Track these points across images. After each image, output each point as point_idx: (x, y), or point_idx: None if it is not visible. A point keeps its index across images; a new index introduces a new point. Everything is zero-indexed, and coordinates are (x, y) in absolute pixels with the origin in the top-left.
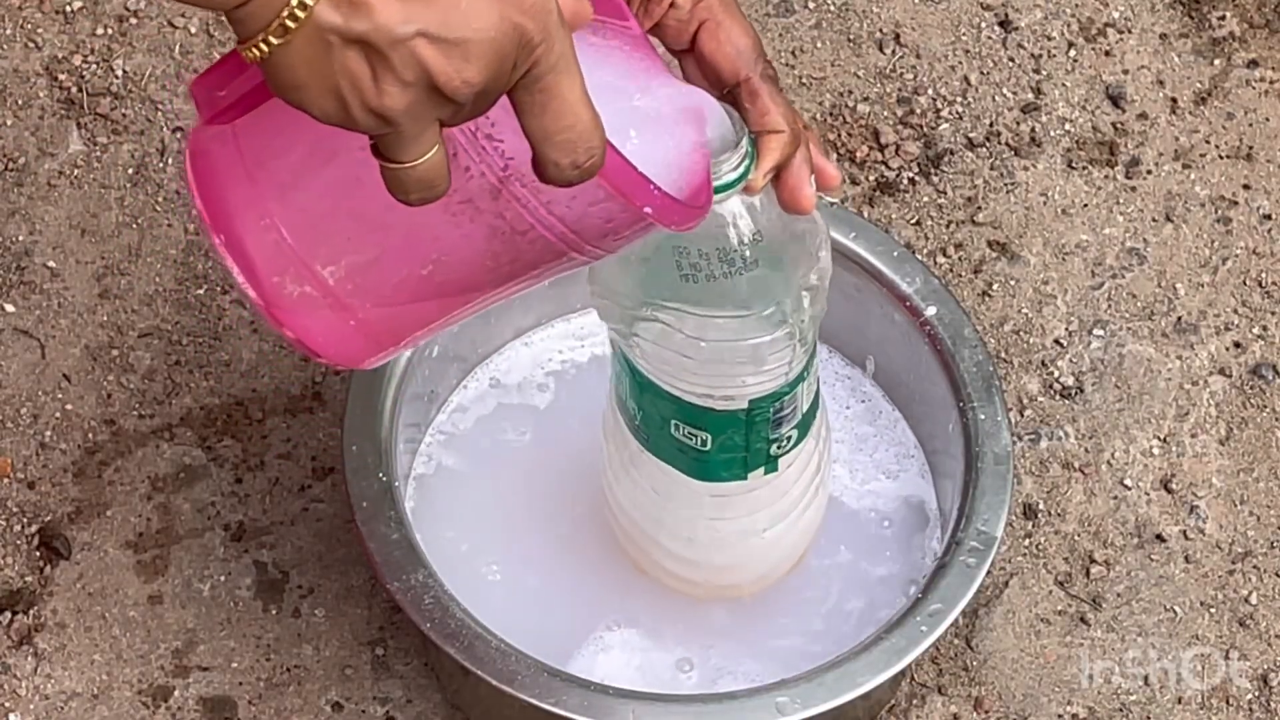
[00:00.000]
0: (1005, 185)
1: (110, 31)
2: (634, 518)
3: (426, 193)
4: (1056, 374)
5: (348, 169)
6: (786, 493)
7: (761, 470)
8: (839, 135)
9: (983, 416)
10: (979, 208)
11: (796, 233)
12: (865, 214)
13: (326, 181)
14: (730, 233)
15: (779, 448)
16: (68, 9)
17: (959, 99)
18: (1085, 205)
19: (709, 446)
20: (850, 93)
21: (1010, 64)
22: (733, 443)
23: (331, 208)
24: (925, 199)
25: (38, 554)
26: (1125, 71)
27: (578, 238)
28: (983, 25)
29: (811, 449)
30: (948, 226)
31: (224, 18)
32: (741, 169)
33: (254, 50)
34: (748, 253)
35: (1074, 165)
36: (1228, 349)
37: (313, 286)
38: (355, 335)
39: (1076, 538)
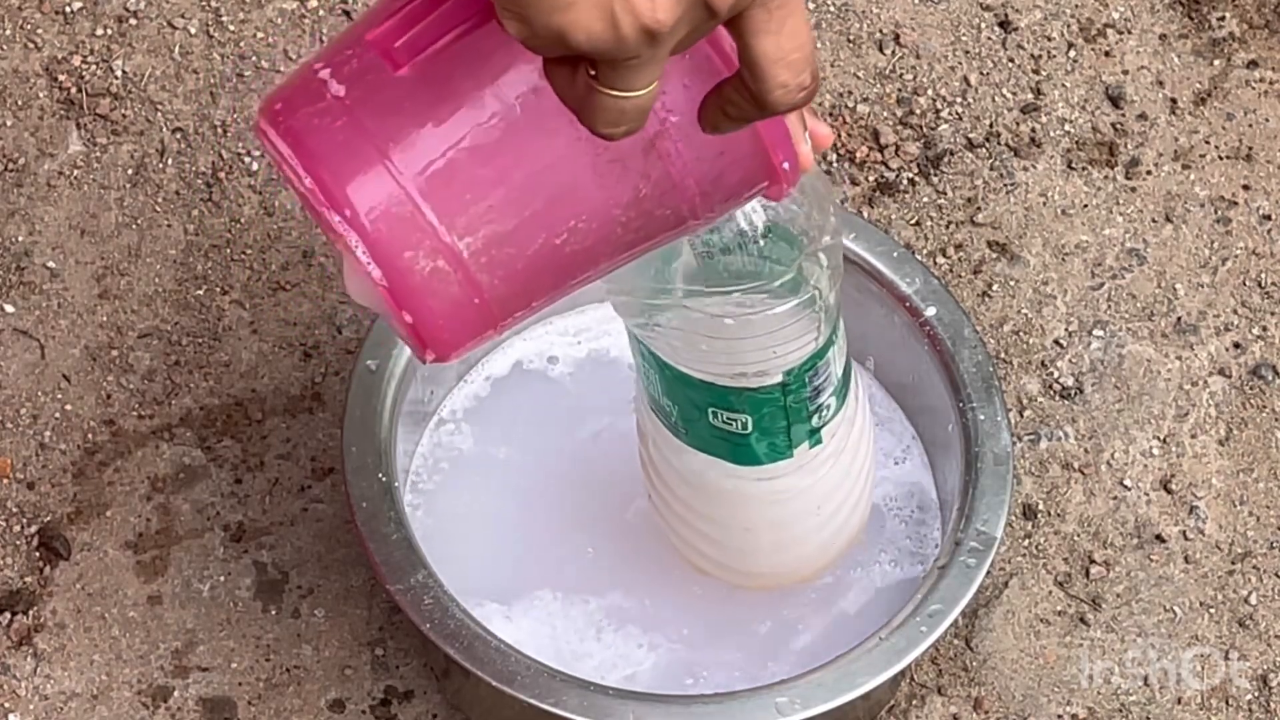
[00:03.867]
0: (1005, 186)
1: (110, 32)
2: (688, 520)
3: (636, 124)
4: (1056, 374)
5: (491, 132)
6: (835, 464)
7: (806, 445)
8: (839, 135)
9: (982, 417)
10: (979, 208)
11: (803, 194)
12: (865, 214)
13: (469, 148)
14: None
15: (820, 418)
16: (68, 9)
17: (959, 99)
18: (1085, 206)
19: (750, 429)
20: (850, 93)
21: (1010, 64)
22: (773, 421)
23: (475, 175)
24: (925, 199)
25: (37, 554)
26: (1125, 72)
27: (705, 200)
28: (983, 25)
29: (852, 414)
30: (947, 227)
31: None
32: None
33: None
34: (757, 222)
35: (1074, 166)
36: (1228, 349)
37: (446, 260)
38: (474, 316)
39: (1076, 538)
